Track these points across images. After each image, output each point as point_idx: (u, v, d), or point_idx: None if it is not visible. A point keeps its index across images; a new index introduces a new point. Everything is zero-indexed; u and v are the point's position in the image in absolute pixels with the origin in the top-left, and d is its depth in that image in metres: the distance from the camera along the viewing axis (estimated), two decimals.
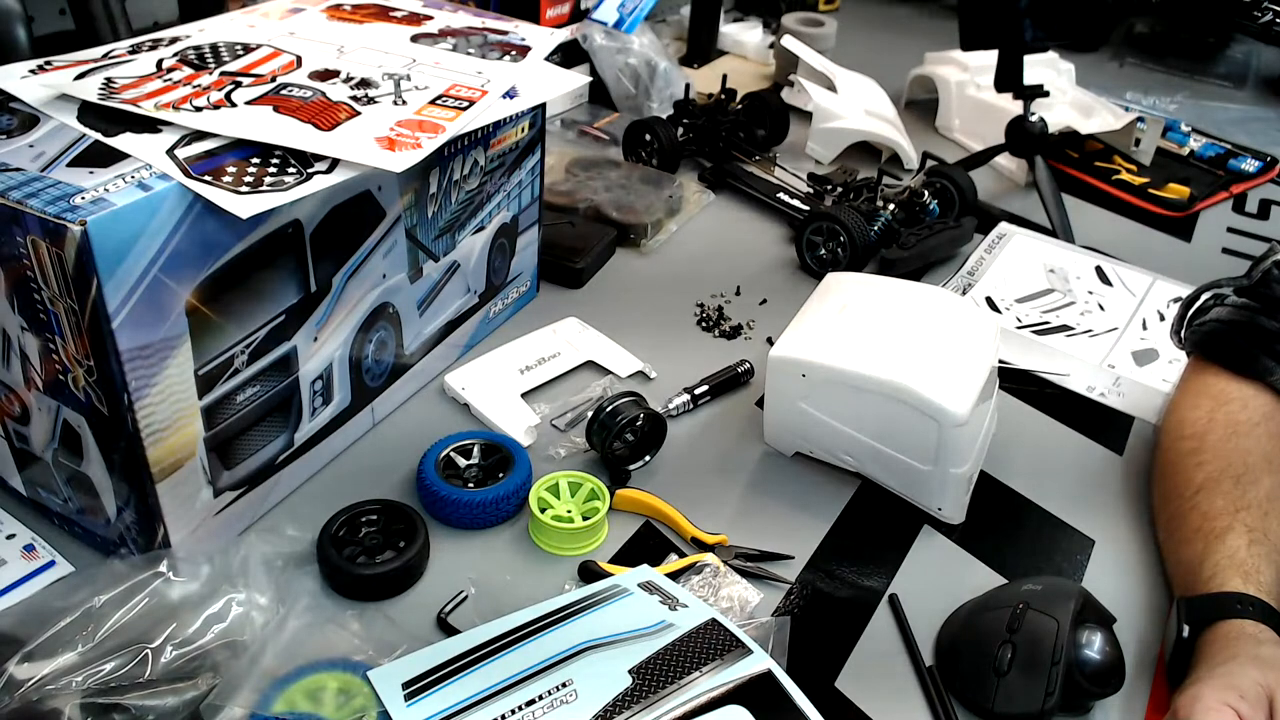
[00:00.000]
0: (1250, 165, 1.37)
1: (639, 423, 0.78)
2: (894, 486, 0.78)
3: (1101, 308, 1.02)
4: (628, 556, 0.72)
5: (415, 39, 0.82)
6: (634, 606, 0.62)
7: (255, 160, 0.61)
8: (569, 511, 0.73)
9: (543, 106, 0.88)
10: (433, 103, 0.71)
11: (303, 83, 0.70)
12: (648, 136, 1.21)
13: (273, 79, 0.70)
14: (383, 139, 0.66)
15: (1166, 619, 0.67)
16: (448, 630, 0.65)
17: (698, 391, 0.86)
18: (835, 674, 0.65)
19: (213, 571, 0.61)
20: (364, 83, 0.72)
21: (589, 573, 0.69)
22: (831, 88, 1.32)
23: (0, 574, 0.65)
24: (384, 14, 0.86)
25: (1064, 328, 0.98)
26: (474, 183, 0.82)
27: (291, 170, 0.62)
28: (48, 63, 0.68)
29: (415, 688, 0.57)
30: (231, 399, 0.65)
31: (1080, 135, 1.33)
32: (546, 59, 0.83)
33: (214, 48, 0.74)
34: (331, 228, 0.68)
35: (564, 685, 0.55)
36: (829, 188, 1.14)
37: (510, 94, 0.76)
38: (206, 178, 0.58)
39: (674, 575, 0.68)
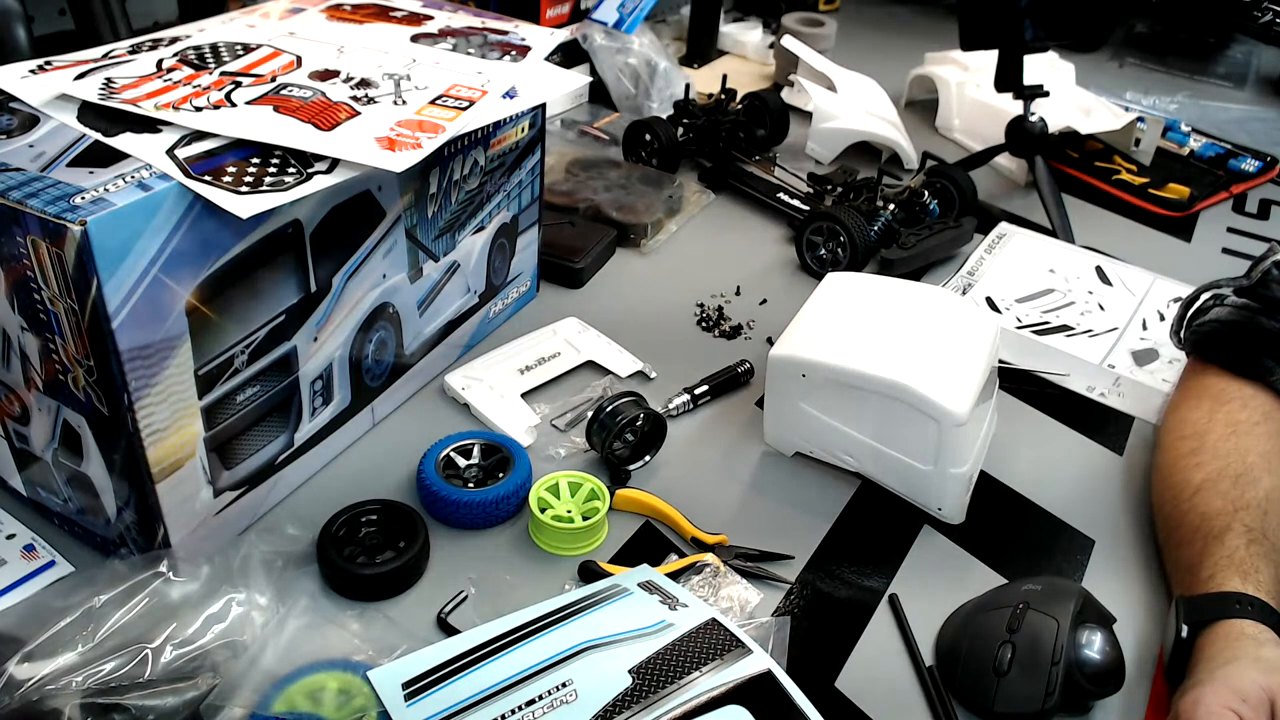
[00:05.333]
0: (1250, 165, 1.37)
1: (639, 423, 0.78)
2: (894, 486, 0.78)
3: (1101, 308, 1.02)
4: (628, 556, 0.72)
5: (415, 39, 0.82)
6: (634, 606, 0.62)
7: (255, 160, 0.61)
8: (569, 511, 0.73)
9: (543, 106, 0.88)
10: (433, 103, 0.71)
11: (303, 83, 0.70)
12: (648, 136, 1.21)
13: (273, 79, 0.70)
14: (383, 139, 0.66)
15: (1166, 619, 0.67)
16: (448, 630, 0.65)
17: (698, 391, 0.86)
18: (835, 674, 0.65)
19: (213, 571, 0.61)
20: (364, 83, 0.72)
21: (589, 573, 0.69)
22: (831, 88, 1.32)
23: (0, 574, 0.65)
24: (384, 14, 0.86)
25: (1064, 328, 0.98)
26: (474, 183, 0.83)
27: (291, 170, 0.62)
28: (48, 63, 0.68)
29: (415, 688, 0.57)
30: (231, 399, 0.65)
31: (1080, 135, 1.33)
32: (546, 59, 0.83)
33: (214, 48, 0.74)
34: (331, 228, 0.68)
35: (564, 685, 0.55)
36: (829, 188, 1.14)
37: (510, 94, 0.76)
38: (206, 178, 0.58)
39: (674, 575, 0.68)
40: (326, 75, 0.72)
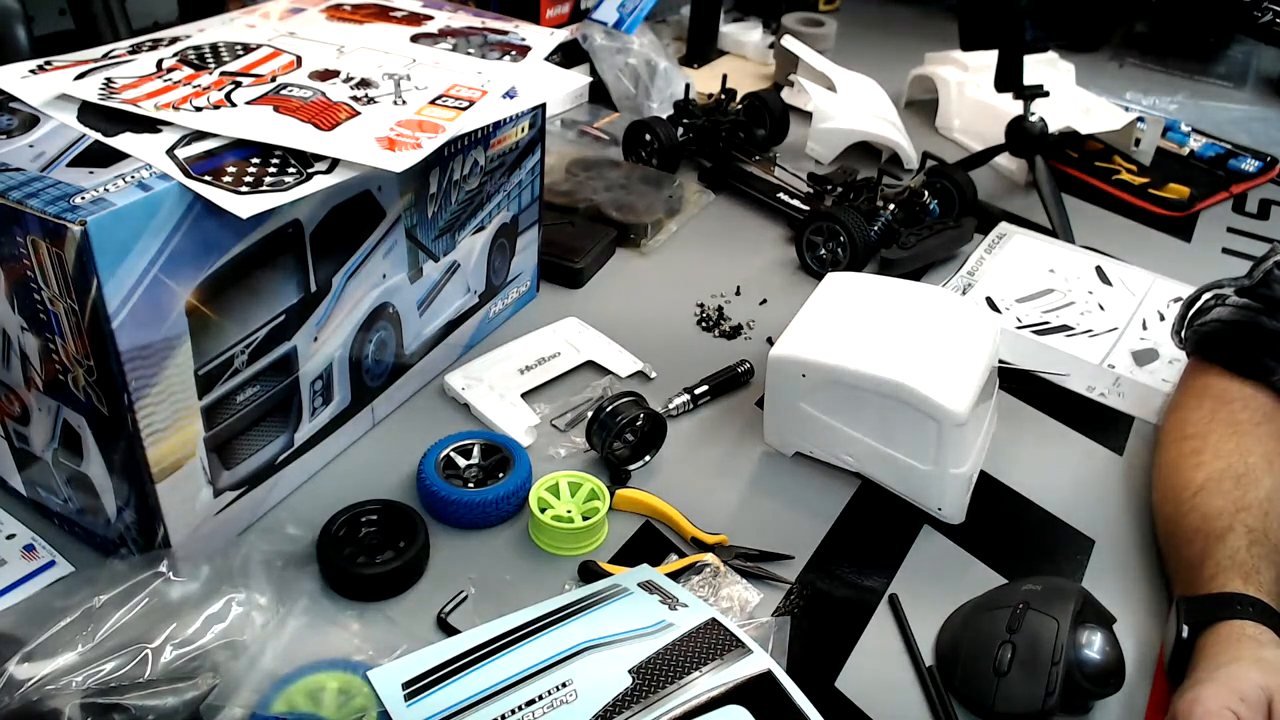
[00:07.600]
0: (1250, 165, 1.37)
1: (639, 423, 0.78)
2: (894, 486, 0.78)
3: (1101, 308, 1.02)
4: (628, 556, 0.72)
5: (415, 39, 0.82)
6: (634, 606, 0.62)
7: (255, 160, 0.61)
8: (569, 511, 0.73)
9: (543, 106, 0.88)
10: (433, 103, 0.71)
11: (303, 83, 0.70)
12: (648, 136, 1.21)
13: (273, 79, 0.70)
14: (383, 139, 0.66)
15: (1166, 619, 0.67)
16: (448, 630, 0.65)
17: (698, 391, 0.86)
18: (835, 674, 0.65)
19: (213, 571, 0.61)
20: (364, 83, 0.72)
21: (589, 573, 0.69)
22: (831, 88, 1.32)
23: (0, 574, 0.65)
24: (384, 14, 0.86)
25: (1064, 328, 0.98)
26: (474, 183, 0.82)
27: (291, 170, 0.62)
28: (48, 63, 0.68)
29: (415, 688, 0.57)
30: (231, 399, 0.65)
31: (1080, 135, 1.33)
32: (546, 59, 0.83)
33: (214, 48, 0.74)
34: (331, 228, 0.68)
35: (564, 685, 0.55)
36: (829, 188, 1.14)
37: (510, 94, 0.76)
38: (206, 178, 0.58)
39: (674, 575, 0.68)
40: (326, 75, 0.72)
